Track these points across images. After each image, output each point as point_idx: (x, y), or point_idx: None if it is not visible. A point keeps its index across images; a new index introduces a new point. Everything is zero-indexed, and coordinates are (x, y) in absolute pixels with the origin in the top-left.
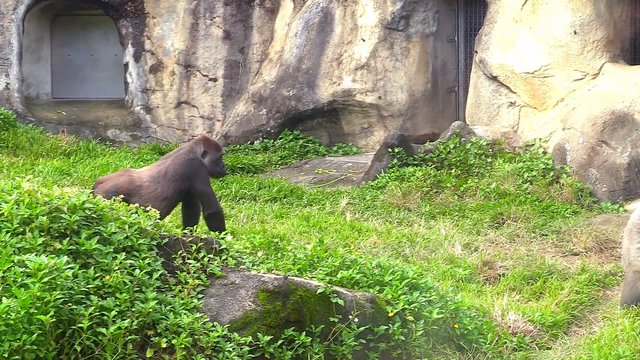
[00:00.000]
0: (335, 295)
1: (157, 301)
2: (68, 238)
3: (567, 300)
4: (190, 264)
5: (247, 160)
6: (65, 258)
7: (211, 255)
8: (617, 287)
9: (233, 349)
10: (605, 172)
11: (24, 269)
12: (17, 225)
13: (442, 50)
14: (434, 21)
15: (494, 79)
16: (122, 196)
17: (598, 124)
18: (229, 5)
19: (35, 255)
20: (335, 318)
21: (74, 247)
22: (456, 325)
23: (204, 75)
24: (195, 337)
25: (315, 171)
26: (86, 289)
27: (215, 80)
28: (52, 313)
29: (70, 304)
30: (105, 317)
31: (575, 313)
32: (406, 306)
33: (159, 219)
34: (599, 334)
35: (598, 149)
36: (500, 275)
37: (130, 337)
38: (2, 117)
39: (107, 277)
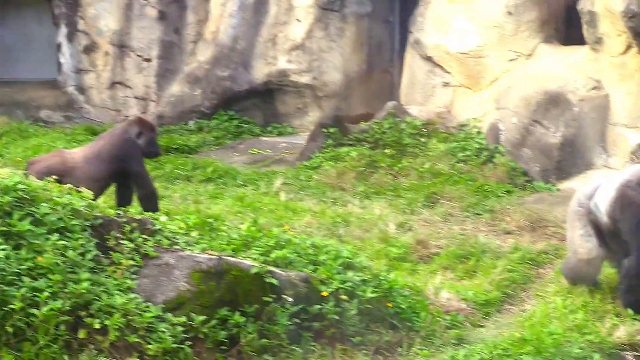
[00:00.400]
0: (269, 275)
1: (90, 282)
2: (0, 219)
3: (500, 278)
4: (123, 244)
5: (181, 140)
6: None
7: (145, 236)
8: (550, 265)
9: (167, 329)
10: (538, 151)
11: None
12: None
13: (377, 30)
14: (369, 2)
15: (428, 59)
16: (55, 177)
17: (531, 104)
18: None
19: None
20: (269, 298)
21: (6, 229)
22: (390, 304)
23: (138, 56)
24: (129, 317)
25: (250, 151)
26: (18, 270)
27: (149, 60)
28: None
29: (2, 285)
30: (37, 299)
31: (508, 291)
32: (340, 285)
33: (92, 199)
34: (531, 311)
35: (531, 129)
36: (433, 254)
37: (62, 318)
38: None
39: (40, 258)
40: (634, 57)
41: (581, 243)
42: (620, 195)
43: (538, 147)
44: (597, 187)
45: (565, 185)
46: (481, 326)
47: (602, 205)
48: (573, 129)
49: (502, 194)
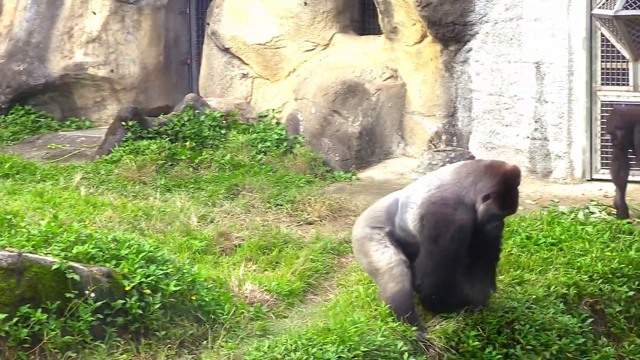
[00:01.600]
0: (71, 270)
1: None
2: None
3: (302, 268)
4: None
5: None
6: None
7: None
8: (351, 255)
9: None
10: (337, 141)
11: None
12: None
13: (174, 22)
14: None
15: (226, 50)
16: None
17: (330, 94)
18: None
19: None
20: (72, 294)
21: None
22: (193, 297)
23: None
24: None
25: (48, 146)
26: None
27: None
28: None
29: None
30: None
31: (311, 281)
32: (143, 280)
33: None
34: (335, 301)
35: (330, 119)
36: (236, 246)
37: None
38: None
39: None
40: (428, 45)
41: (379, 257)
42: (433, 212)
43: (337, 137)
44: (393, 206)
45: (364, 174)
46: (285, 317)
47: (412, 222)
48: (371, 118)
49: (303, 184)
